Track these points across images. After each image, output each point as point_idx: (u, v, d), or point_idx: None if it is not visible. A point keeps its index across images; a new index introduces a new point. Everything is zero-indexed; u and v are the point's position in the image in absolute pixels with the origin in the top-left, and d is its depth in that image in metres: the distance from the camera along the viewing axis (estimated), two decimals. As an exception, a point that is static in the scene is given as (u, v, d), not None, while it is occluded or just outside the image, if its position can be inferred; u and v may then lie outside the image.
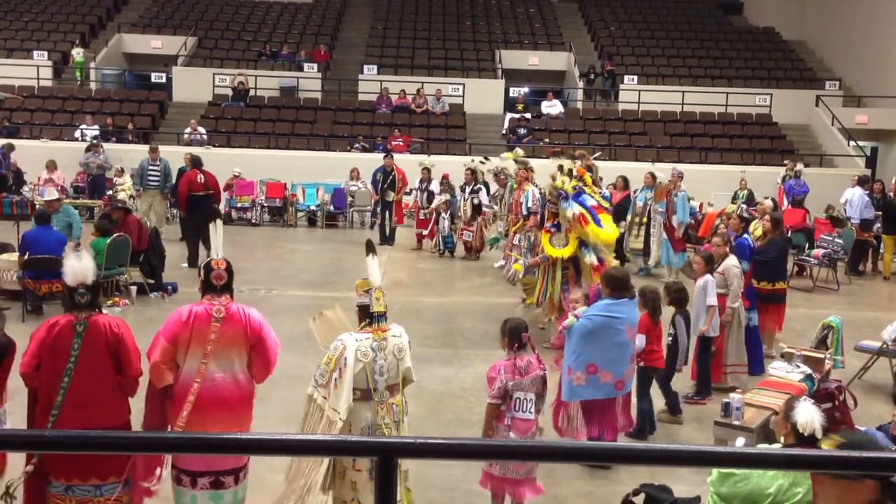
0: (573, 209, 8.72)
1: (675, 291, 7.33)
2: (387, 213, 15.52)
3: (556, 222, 9.03)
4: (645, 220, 13.11)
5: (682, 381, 7.64)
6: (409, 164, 16.32)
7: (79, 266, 4.62)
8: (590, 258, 8.70)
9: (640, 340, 6.56)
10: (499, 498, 5.25)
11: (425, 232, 15.17)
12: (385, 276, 12.85)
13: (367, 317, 4.59)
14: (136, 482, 4.61)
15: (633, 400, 6.60)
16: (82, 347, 4.48)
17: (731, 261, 7.90)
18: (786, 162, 18.72)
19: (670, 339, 7.20)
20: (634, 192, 13.77)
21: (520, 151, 13.30)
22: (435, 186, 15.23)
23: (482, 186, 14.50)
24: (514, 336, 5.24)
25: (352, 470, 4.52)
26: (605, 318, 6.05)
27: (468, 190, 14.43)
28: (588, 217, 8.70)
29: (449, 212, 14.56)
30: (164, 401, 4.61)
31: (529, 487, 5.17)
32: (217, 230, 4.98)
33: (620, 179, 14.14)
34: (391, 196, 15.30)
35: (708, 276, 7.64)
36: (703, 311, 7.56)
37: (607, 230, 8.85)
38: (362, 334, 4.56)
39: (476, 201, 14.27)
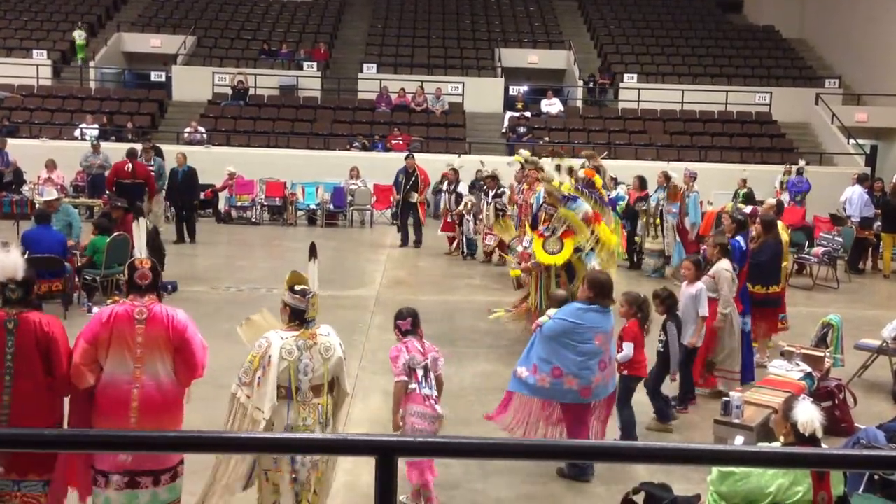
0: (583, 208, 8.32)
1: (667, 298, 7.06)
2: (410, 214, 15.26)
3: (549, 226, 8.53)
4: (658, 220, 12.96)
5: (666, 389, 7.24)
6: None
7: (7, 261, 4.44)
8: (591, 266, 8.22)
9: (627, 349, 6.36)
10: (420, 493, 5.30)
11: (451, 234, 14.83)
12: (385, 274, 12.86)
13: (298, 319, 4.56)
14: (62, 484, 4.53)
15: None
16: (15, 345, 4.35)
17: (724, 264, 7.58)
18: (785, 166, 18.61)
19: (661, 345, 6.97)
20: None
21: (527, 153, 13.17)
22: (463, 188, 14.86)
23: (506, 190, 13.97)
24: (394, 323, 5.44)
25: (273, 472, 4.45)
26: (569, 324, 5.84)
27: (491, 195, 14.01)
28: (599, 216, 8.41)
29: (472, 213, 14.26)
30: (89, 403, 4.47)
31: (430, 469, 5.31)
32: (140, 229, 4.85)
33: (636, 179, 13.82)
34: (415, 197, 15.07)
35: (700, 284, 7.33)
36: (693, 321, 7.23)
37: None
38: (288, 332, 4.51)
39: (500, 205, 13.90)
